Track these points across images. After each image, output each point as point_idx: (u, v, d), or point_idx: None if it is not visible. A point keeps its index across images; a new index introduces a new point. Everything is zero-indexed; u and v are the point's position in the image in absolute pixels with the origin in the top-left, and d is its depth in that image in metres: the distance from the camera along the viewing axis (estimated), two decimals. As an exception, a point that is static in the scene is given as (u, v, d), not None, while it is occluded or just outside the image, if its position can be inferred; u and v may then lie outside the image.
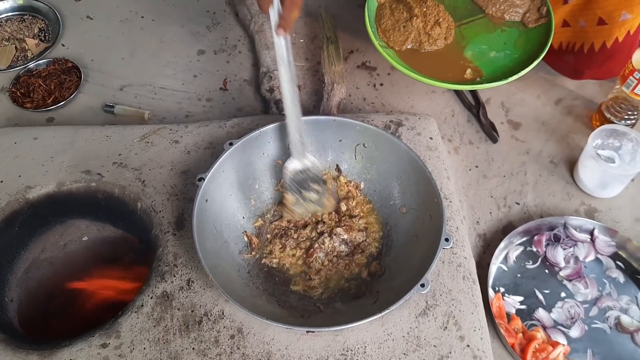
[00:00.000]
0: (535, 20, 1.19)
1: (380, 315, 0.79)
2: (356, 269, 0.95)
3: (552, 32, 1.15)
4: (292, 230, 0.99)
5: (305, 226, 1.00)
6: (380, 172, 1.02)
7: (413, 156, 0.96)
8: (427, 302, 0.89)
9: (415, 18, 1.17)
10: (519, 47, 1.18)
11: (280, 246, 0.98)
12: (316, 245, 0.96)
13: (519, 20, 1.22)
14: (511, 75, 1.09)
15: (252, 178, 1.01)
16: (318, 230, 0.99)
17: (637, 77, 1.09)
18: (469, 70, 1.15)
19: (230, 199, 0.98)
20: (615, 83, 1.18)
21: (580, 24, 1.19)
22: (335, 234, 0.96)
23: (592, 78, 1.29)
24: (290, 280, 0.95)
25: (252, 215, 1.01)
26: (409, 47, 1.18)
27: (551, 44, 1.13)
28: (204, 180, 0.92)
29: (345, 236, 0.97)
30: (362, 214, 1.01)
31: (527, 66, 1.10)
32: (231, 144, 0.96)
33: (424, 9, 1.19)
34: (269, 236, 0.99)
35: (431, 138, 1.09)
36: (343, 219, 1.00)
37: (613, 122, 1.18)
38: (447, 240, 0.86)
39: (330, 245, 0.96)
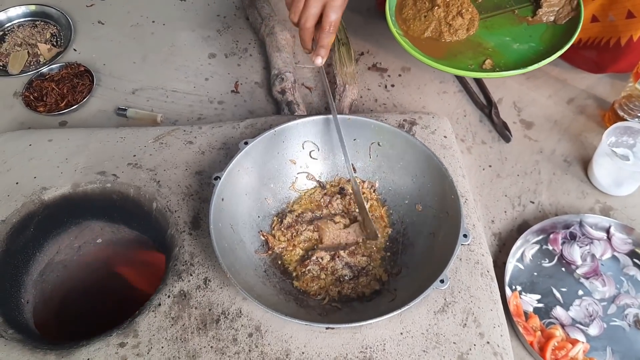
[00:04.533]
0: (566, 15, 1.18)
1: (400, 311, 0.79)
2: (362, 290, 0.93)
3: (580, 25, 1.13)
4: (298, 224, 0.99)
5: (310, 221, 1.00)
6: (395, 170, 1.02)
7: (429, 154, 0.95)
8: (445, 299, 0.88)
9: (437, 8, 1.17)
10: (544, 41, 1.17)
11: (285, 238, 0.98)
12: (314, 258, 0.95)
13: (553, 19, 1.20)
14: (531, 65, 1.08)
15: (267, 177, 1.01)
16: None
17: (651, 75, 1.09)
18: (488, 61, 1.14)
19: (245, 198, 0.98)
20: (628, 81, 1.18)
21: (609, 18, 1.19)
22: (338, 257, 0.95)
23: (614, 71, 1.29)
24: (292, 276, 0.95)
25: (267, 214, 1.00)
26: (427, 36, 1.18)
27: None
28: (220, 179, 0.92)
29: (349, 260, 0.95)
30: (374, 219, 1.01)
31: (549, 57, 1.09)
32: (246, 143, 0.97)
33: (447, 0, 1.19)
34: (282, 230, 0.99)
35: (445, 137, 1.08)
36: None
37: (626, 120, 1.17)
38: (465, 236, 0.85)
39: (330, 265, 0.95)
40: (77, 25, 1.47)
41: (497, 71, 1.12)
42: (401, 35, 1.16)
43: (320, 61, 0.97)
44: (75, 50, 1.43)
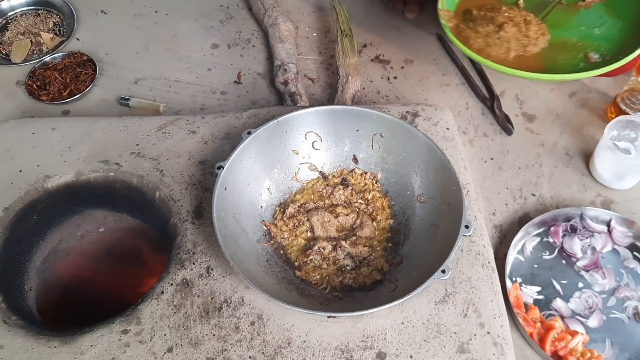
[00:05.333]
0: None
1: (401, 300, 0.79)
2: (363, 280, 0.94)
3: None
4: (300, 214, 1.00)
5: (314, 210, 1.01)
6: (397, 161, 1.02)
7: (431, 145, 0.96)
8: (446, 290, 0.89)
9: (505, 25, 1.13)
10: (614, 16, 1.16)
11: (287, 229, 0.98)
12: (315, 247, 0.95)
13: None
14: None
15: (270, 167, 1.01)
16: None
17: (654, 68, 1.09)
18: (590, 54, 1.11)
19: (248, 188, 0.98)
20: (630, 75, 1.18)
21: None
22: (340, 247, 0.95)
23: (604, 75, 1.28)
24: (294, 265, 0.96)
25: (270, 204, 1.01)
26: (514, 55, 1.13)
27: None
28: (223, 168, 0.92)
29: (351, 250, 0.96)
30: (375, 211, 1.01)
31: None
32: (249, 133, 0.97)
33: (507, 14, 1.16)
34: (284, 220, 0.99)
35: (447, 129, 1.09)
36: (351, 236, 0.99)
37: (628, 114, 1.17)
38: (467, 227, 0.86)
39: (332, 255, 0.95)
40: (80, 15, 1.47)
41: (613, 60, 1.06)
42: (507, 65, 1.08)
43: None
44: (78, 39, 1.43)
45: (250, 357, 0.82)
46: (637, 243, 1.06)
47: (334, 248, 0.95)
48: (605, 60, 1.09)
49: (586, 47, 1.13)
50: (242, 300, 0.87)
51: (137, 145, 1.07)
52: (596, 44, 1.13)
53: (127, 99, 1.28)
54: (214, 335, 0.84)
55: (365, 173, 1.04)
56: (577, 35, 1.16)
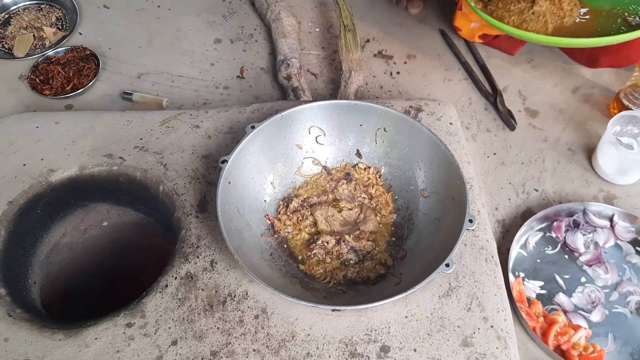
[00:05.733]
0: None
1: (406, 294, 0.79)
2: (367, 274, 0.94)
3: None
4: (304, 209, 1.00)
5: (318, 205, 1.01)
6: (401, 156, 1.02)
7: (435, 139, 0.96)
8: (450, 284, 0.89)
9: (538, 1, 1.14)
10: None
11: (291, 223, 0.98)
12: (319, 242, 0.95)
13: None
14: None
15: (274, 161, 1.02)
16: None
17: (657, 64, 1.09)
18: (629, 18, 1.13)
19: (252, 182, 0.98)
20: (633, 70, 1.18)
21: None
22: (344, 241, 0.95)
23: (608, 66, 1.29)
24: (298, 259, 0.96)
25: (273, 198, 1.01)
26: (552, 28, 1.15)
27: None
28: (227, 162, 0.92)
29: (355, 244, 0.96)
30: (379, 205, 1.01)
31: None
32: (253, 127, 0.97)
33: None
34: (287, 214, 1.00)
35: (451, 123, 1.09)
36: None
37: (631, 110, 1.17)
38: (470, 221, 0.86)
39: (336, 249, 0.95)
40: (83, 9, 1.47)
41: None
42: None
43: None
44: (80, 34, 1.42)
45: (254, 350, 0.83)
46: (640, 238, 1.06)
47: (338, 242, 0.95)
48: None
49: (622, 13, 1.15)
50: (246, 294, 0.88)
51: (141, 139, 1.07)
52: (632, 8, 1.15)
53: (130, 94, 1.28)
54: (218, 328, 0.85)
55: (369, 167, 1.04)
56: (609, 3, 1.18)
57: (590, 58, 1.28)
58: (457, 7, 1.32)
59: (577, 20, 1.17)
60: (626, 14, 1.15)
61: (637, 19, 1.12)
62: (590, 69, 1.31)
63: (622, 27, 1.13)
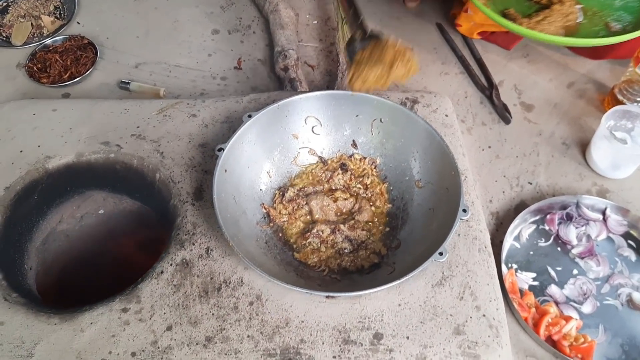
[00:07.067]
0: None
1: (400, 281, 0.80)
2: (361, 263, 0.95)
3: None
4: (300, 198, 1.01)
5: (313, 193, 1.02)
6: (396, 147, 1.03)
7: (430, 130, 0.96)
8: (443, 273, 0.90)
9: (553, 4, 1.20)
10: None
11: (286, 212, 0.99)
12: (314, 230, 0.96)
13: None
14: None
15: (270, 151, 1.02)
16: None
17: (652, 59, 1.10)
18: (611, 24, 1.17)
19: (248, 171, 0.99)
20: (628, 66, 1.19)
21: None
22: (339, 231, 0.96)
23: (613, 57, 1.30)
24: (293, 248, 0.97)
25: (269, 187, 1.02)
26: (564, 26, 1.19)
27: None
28: (223, 150, 0.93)
29: (349, 233, 0.97)
30: (374, 196, 1.02)
31: None
32: (250, 116, 0.97)
33: None
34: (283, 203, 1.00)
35: (446, 115, 1.10)
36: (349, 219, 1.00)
37: (625, 104, 1.18)
38: (464, 211, 0.87)
39: (331, 238, 0.96)
40: (81, -2, 1.47)
41: (634, 29, 1.12)
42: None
43: None
44: (78, 23, 1.43)
45: (248, 336, 0.83)
46: (632, 231, 1.07)
47: (333, 231, 0.96)
48: (625, 29, 1.15)
49: (607, 17, 1.18)
50: (241, 281, 0.88)
51: (138, 127, 1.07)
52: (617, 14, 1.18)
53: (128, 83, 1.28)
54: (212, 314, 0.85)
55: (365, 158, 1.05)
56: (597, 5, 1.21)
57: (594, 51, 1.30)
58: (463, 9, 1.33)
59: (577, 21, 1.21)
60: (610, 19, 1.18)
61: (620, 26, 1.15)
62: (592, 60, 1.33)
63: (602, 31, 1.18)
